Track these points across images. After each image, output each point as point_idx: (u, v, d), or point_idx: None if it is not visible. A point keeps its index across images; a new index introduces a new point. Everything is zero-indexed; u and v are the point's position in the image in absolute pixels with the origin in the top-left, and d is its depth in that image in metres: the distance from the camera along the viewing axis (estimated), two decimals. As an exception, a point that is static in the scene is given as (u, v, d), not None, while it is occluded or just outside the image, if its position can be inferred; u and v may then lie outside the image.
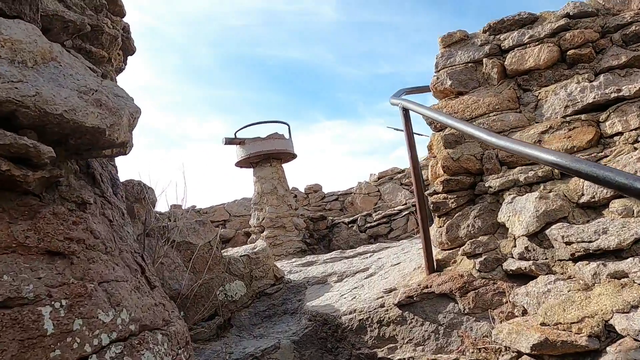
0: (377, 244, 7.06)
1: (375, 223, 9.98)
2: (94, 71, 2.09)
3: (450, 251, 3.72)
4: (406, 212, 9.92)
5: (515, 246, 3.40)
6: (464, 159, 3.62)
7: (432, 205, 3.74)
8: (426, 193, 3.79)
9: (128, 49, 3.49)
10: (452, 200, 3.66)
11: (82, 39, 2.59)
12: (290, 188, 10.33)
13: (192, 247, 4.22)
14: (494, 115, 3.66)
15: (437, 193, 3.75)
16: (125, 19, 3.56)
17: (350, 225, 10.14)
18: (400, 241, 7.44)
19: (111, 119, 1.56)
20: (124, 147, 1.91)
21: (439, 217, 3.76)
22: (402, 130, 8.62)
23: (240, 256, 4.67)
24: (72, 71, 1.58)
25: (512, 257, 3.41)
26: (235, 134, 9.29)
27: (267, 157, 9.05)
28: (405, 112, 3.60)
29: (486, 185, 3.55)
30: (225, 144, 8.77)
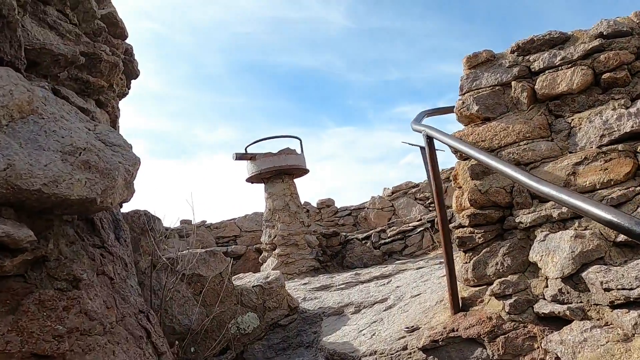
0: (394, 265, 6.82)
1: (389, 239, 9.73)
2: (87, 112, 1.88)
3: (477, 289, 3.49)
4: (421, 229, 9.66)
5: (547, 287, 3.16)
6: (492, 191, 3.39)
7: (457, 240, 3.51)
8: (451, 226, 3.56)
9: (131, 72, 3.31)
10: (479, 235, 3.43)
11: (79, 68, 2.40)
12: (302, 203, 10.13)
13: (202, 280, 4.02)
14: (524, 144, 3.43)
15: (463, 227, 3.52)
16: (128, 40, 3.37)
17: (364, 242, 9.90)
18: (417, 261, 7.20)
19: (103, 184, 1.36)
20: (122, 204, 1.70)
21: (465, 252, 3.52)
22: (417, 146, 8.30)
23: (253, 287, 4.46)
24: (57, 125, 1.38)
25: (544, 299, 3.17)
26: (245, 149, 9.10)
27: (278, 173, 8.85)
28: (429, 140, 3.38)
29: (516, 220, 3.31)
30: (235, 159, 8.59)
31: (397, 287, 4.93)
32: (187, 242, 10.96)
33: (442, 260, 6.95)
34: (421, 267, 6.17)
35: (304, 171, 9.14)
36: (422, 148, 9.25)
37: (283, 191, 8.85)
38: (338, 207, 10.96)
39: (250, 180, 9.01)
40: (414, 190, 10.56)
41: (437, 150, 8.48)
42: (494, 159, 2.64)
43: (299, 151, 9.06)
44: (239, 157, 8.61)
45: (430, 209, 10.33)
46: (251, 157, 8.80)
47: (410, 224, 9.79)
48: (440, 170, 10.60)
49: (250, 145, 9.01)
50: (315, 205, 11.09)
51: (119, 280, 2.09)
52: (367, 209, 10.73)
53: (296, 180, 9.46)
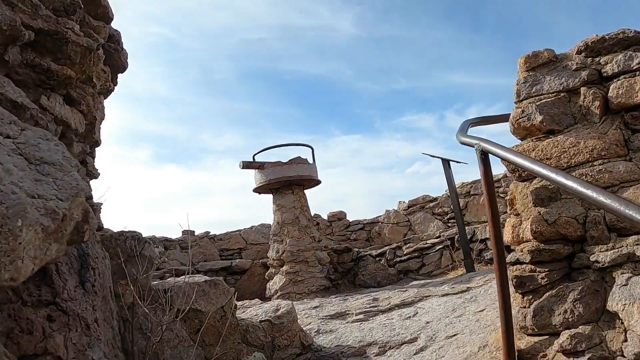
0: (414, 289, 6.15)
1: (405, 257, 9.07)
2: (23, 109, 1.26)
3: (538, 340, 2.83)
4: (440, 247, 9.01)
5: (626, 340, 2.52)
6: (562, 222, 2.74)
7: (514, 280, 2.85)
8: (507, 261, 2.90)
9: (117, 64, 2.68)
10: (543, 274, 2.77)
11: (39, 52, 1.78)
12: (312, 216, 9.48)
13: (201, 316, 3.38)
14: (599, 165, 2.78)
15: (522, 263, 2.86)
16: (117, 26, 2.75)
17: (377, 259, 9.24)
18: (438, 284, 6.53)
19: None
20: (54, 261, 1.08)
21: (523, 294, 2.87)
22: (437, 157, 7.66)
23: (260, 322, 3.82)
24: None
25: (623, 356, 2.53)
26: (253, 157, 8.48)
27: (288, 184, 8.22)
28: (484, 156, 2.73)
29: (591, 258, 2.67)
30: (242, 167, 7.96)
31: (427, 322, 4.27)
32: (188, 254, 10.34)
33: (469, 285, 6.30)
34: (447, 294, 5.51)
35: (316, 182, 8.51)
36: (443, 160, 8.62)
37: (293, 203, 8.21)
38: (350, 221, 10.29)
39: (258, 190, 8.39)
40: (431, 204, 9.89)
41: (459, 163, 7.75)
42: (581, 183, 1.99)
43: (310, 160, 8.44)
44: (246, 165, 7.99)
45: (450, 224, 9.67)
46: (259, 166, 8.18)
47: (428, 241, 9.13)
48: (459, 183, 9.82)
49: (258, 153, 8.40)
50: (325, 217, 10.44)
51: (72, 356, 1.46)
52: (382, 223, 10.07)
53: (305, 191, 8.83)
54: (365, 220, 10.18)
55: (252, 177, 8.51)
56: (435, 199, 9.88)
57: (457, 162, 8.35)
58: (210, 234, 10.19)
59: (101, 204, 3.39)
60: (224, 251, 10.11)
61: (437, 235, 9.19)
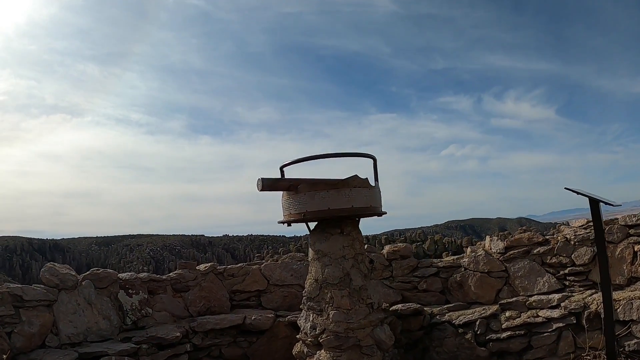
0: None
1: (504, 334, 5.93)
2: None
3: None
4: (560, 324, 5.84)
5: None
6: None
7: None
8: None
9: None
10: None
11: None
12: (369, 257, 6.46)
13: None
14: None
15: None
16: None
17: (461, 330, 6.13)
18: None
19: None
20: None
21: None
22: (584, 195, 4.59)
23: None
24: None
25: None
26: (281, 170, 5.44)
27: (337, 220, 5.20)
28: None
29: None
30: (262, 189, 4.92)
31: None
32: (185, 299, 7.32)
33: None
34: None
35: (379, 214, 5.41)
36: (591, 200, 5.36)
37: (342, 251, 5.14)
38: (419, 261, 7.20)
39: (288, 222, 5.35)
40: (541, 249, 6.65)
41: (613, 205, 4.68)
42: None
43: (372, 179, 5.34)
44: (268, 185, 4.94)
45: (569, 284, 6.45)
46: (289, 186, 5.13)
47: (539, 314, 5.95)
48: (580, 220, 6.42)
49: (288, 165, 5.36)
50: (384, 253, 7.34)
51: None
52: (465, 269, 6.92)
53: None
54: (440, 261, 7.05)
55: (277, 199, 5.49)
56: (546, 241, 6.68)
57: (611, 204, 5.16)
58: (219, 267, 7.23)
59: None
60: (237, 294, 7.16)
61: (553, 302, 6.01)
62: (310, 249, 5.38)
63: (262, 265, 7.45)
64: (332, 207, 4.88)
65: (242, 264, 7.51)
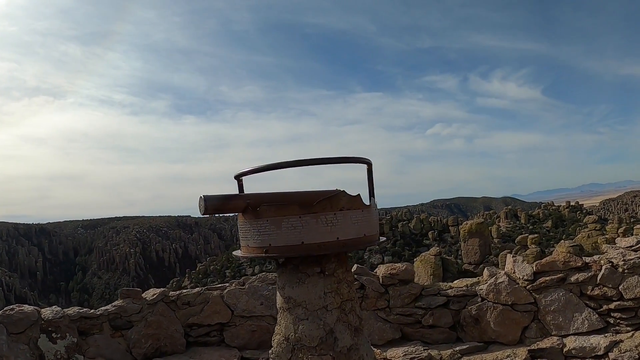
0: None
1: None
2: None
3: None
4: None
5: None
6: None
7: None
8: None
9: None
10: None
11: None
12: (354, 272, 4.93)
13: None
14: None
15: None
16: None
17: (482, 387, 4.70)
18: None
19: None
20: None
21: None
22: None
23: None
24: None
25: None
26: (238, 181, 3.92)
27: (314, 259, 3.68)
28: None
29: None
30: (205, 212, 3.36)
31: None
32: (127, 339, 5.49)
33: None
34: None
35: (375, 242, 3.87)
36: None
37: (323, 299, 3.61)
38: (423, 287, 5.72)
39: (246, 258, 3.80)
40: (579, 277, 5.18)
41: None
42: None
43: (365, 195, 3.78)
44: (214, 208, 3.38)
45: (612, 320, 5.04)
46: (246, 206, 3.57)
47: (589, 361, 4.52)
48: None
49: (246, 172, 3.79)
50: (379, 275, 5.83)
51: None
52: (483, 300, 5.45)
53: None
54: (451, 289, 5.58)
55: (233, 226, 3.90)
56: (586, 266, 5.22)
57: None
58: (170, 294, 5.70)
59: None
60: (193, 328, 5.66)
61: (599, 351, 4.58)
62: (278, 294, 3.84)
63: (225, 291, 5.91)
64: (307, 241, 3.33)
65: (199, 288, 5.96)
